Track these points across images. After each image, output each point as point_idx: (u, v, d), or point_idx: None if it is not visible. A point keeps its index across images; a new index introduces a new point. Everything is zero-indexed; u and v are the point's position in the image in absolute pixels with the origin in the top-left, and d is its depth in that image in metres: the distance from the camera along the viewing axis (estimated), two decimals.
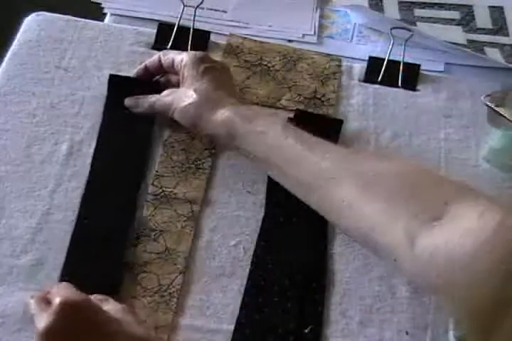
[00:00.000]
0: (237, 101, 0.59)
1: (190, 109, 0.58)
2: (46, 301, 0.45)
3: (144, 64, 0.65)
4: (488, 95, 0.61)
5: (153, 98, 0.61)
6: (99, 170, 0.59)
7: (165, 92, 0.61)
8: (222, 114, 0.56)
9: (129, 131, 0.62)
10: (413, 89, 0.72)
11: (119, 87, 0.64)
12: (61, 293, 0.44)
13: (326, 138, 0.57)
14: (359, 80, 0.72)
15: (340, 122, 0.66)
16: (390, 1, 0.83)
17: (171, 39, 0.70)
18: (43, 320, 0.43)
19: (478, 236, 0.39)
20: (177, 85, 0.62)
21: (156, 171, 0.60)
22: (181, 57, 0.61)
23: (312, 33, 0.78)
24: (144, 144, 0.62)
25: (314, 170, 0.51)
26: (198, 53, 0.61)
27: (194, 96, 0.58)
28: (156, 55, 0.64)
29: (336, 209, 0.50)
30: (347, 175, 0.49)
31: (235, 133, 0.55)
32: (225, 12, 0.78)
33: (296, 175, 0.53)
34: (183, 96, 0.59)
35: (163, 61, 0.63)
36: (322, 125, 0.63)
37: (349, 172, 0.50)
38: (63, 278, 0.53)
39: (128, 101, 0.63)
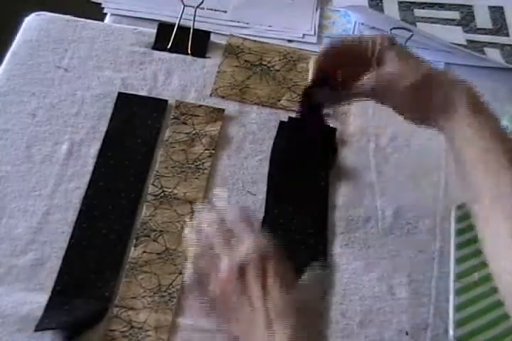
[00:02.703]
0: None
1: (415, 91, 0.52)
2: None
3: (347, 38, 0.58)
4: None
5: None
6: (101, 170, 0.59)
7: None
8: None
9: (133, 133, 0.62)
10: None
11: (129, 103, 0.65)
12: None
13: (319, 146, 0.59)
14: None
15: (333, 131, 0.66)
16: (390, 1, 0.83)
17: (171, 39, 0.70)
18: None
19: None
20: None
21: (156, 171, 0.60)
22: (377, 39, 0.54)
23: (312, 33, 0.78)
24: (147, 146, 0.62)
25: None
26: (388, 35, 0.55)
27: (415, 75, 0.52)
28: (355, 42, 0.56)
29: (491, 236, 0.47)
30: None
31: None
32: (225, 12, 0.78)
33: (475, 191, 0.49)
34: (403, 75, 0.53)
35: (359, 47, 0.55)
36: (315, 133, 0.63)
37: None
38: (61, 278, 0.53)
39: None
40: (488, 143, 0.49)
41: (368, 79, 0.54)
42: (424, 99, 0.53)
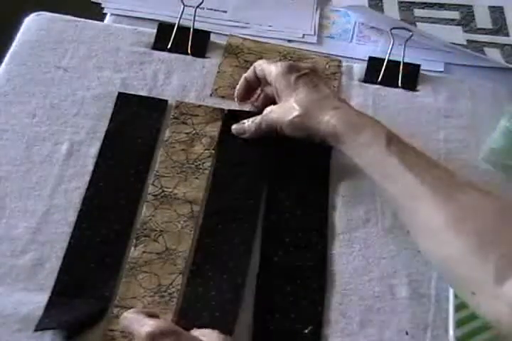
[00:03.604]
0: (339, 103, 0.58)
1: (297, 122, 0.58)
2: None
3: (243, 76, 0.64)
4: None
5: (257, 120, 0.61)
6: (101, 170, 0.59)
7: (266, 111, 0.61)
8: (328, 121, 0.56)
9: (133, 133, 0.62)
10: (413, 89, 0.72)
11: (128, 102, 0.64)
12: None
13: (317, 150, 0.61)
14: (359, 80, 0.72)
15: None
16: (390, 1, 0.83)
17: (171, 39, 0.70)
18: None
19: None
20: (273, 96, 0.62)
21: (156, 171, 0.60)
22: (271, 69, 0.60)
23: (312, 33, 0.78)
24: (147, 146, 0.62)
25: (410, 189, 0.51)
26: (285, 64, 0.60)
27: (296, 107, 0.58)
28: (252, 67, 0.63)
29: (422, 231, 0.51)
30: (442, 200, 0.49)
31: (342, 141, 0.56)
32: (225, 12, 0.78)
33: (391, 191, 0.53)
34: (286, 110, 0.58)
35: (257, 71, 0.62)
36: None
37: (445, 198, 0.49)
38: (61, 278, 0.53)
39: (235, 130, 0.63)
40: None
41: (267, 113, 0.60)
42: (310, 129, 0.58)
